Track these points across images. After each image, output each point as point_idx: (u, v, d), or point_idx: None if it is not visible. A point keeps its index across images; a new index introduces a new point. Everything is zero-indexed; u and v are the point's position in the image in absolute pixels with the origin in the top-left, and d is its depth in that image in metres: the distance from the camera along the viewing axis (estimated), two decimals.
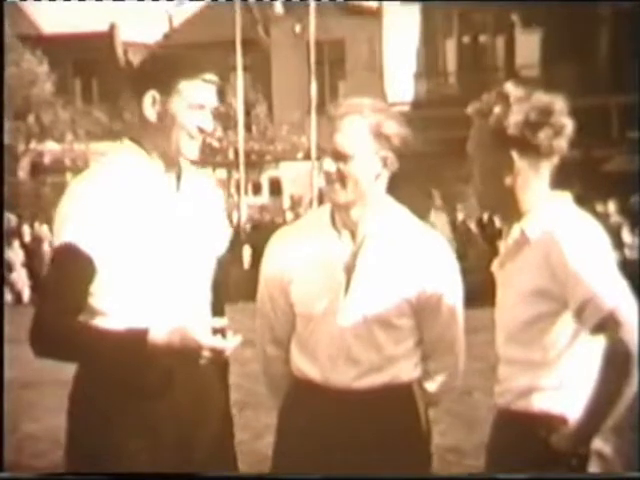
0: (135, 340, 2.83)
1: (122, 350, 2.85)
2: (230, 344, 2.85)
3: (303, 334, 3.21)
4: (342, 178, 3.07)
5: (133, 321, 2.89)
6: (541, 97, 2.85)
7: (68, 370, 3.05)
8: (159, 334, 2.81)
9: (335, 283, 3.13)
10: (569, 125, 2.85)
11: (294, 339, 3.25)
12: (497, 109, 2.83)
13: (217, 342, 2.83)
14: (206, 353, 2.82)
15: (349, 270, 3.13)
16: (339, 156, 3.07)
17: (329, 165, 3.07)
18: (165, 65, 3.03)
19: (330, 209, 3.21)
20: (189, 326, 2.82)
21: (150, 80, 2.98)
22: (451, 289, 3.22)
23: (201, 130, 3.02)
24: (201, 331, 2.82)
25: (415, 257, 3.15)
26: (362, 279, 3.12)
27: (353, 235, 3.15)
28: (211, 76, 3.02)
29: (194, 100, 2.99)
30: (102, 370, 2.94)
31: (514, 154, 2.83)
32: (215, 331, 2.87)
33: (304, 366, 3.20)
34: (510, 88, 2.87)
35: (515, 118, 2.80)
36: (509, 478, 2.80)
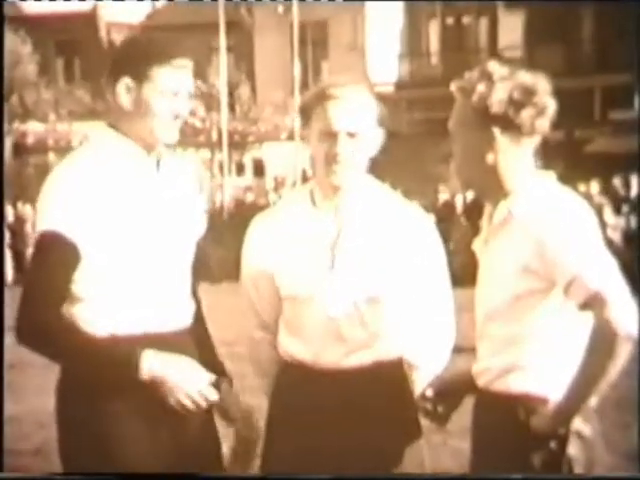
0: (124, 362, 2.88)
1: (110, 366, 2.90)
2: (206, 401, 2.96)
3: (291, 317, 3.19)
4: (347, 157, 3.06)
5: (114, 309, 2.91)
6: (525, 76, 2.85)
7: None
8: (148, 368, 2.87)
9: (320, 262, 3.12)
10: (552, 106, 2.85)
11: (282, 323, 3.24)
12: (481, 87, 2.82)
13: (196, 397, 2.94)
14: (186, 402, 2.94)
15: (333, 248, 3.12)
16: (350, 135, 3.05)
17: (344, 144, 3.04)
18: (137, 51, 2.99)
19: (310, 189, 3.20)
20: (173, 378, 2.91)
21: (123, 66, 2.96)
22: (435, 262, 3.23)
23: (176, 116, 2.99)
24: (184, 385, 2.92)
25: (398, 231, 3.15)
26: (347, 256, 3.11)
27: (336, 213, 3.14)
28: (183, 61, 2.98)
29: (167, 87, 2.95)
30: (88, 372, 2.95)
31: (496, 131, 2.82)
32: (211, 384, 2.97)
33: (293, 348, 3.18)
34: (494, 66, 2.86)
35: (498, 96, 2.80)
36: (505, 478, 2.79)
